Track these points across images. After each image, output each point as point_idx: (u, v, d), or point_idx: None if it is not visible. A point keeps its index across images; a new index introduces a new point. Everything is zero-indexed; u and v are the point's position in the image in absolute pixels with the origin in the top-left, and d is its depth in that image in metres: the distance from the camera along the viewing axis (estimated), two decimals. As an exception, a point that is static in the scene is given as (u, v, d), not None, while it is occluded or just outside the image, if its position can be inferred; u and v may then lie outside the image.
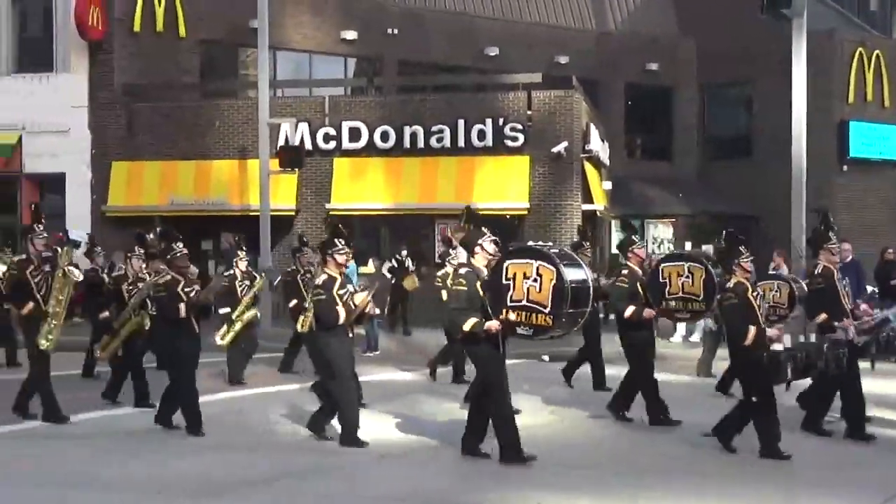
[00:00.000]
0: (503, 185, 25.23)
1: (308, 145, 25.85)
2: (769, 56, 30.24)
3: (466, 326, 9.88)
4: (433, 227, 25.51)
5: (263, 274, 16.79)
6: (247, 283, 15.58)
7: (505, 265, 9.79)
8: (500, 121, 25.57)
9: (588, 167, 26.74)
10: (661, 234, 33.20)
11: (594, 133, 27.21)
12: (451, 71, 31.25)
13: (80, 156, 27.06)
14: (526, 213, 24.97)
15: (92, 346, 15.54)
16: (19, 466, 10.17)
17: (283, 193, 25.34)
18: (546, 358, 18.28)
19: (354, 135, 26.12)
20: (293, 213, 25.85)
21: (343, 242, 10.83)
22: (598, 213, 27.84)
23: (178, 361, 11.53)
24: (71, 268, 12.06)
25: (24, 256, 12.37)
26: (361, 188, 25.84)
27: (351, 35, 30.82)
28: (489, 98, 26.64)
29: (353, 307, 10.76)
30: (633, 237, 12.82)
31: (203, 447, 11.00)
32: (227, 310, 15.27)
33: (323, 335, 10.87)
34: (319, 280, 10.82)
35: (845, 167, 32.43)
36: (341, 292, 10.69)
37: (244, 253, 16.02)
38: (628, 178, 32.85)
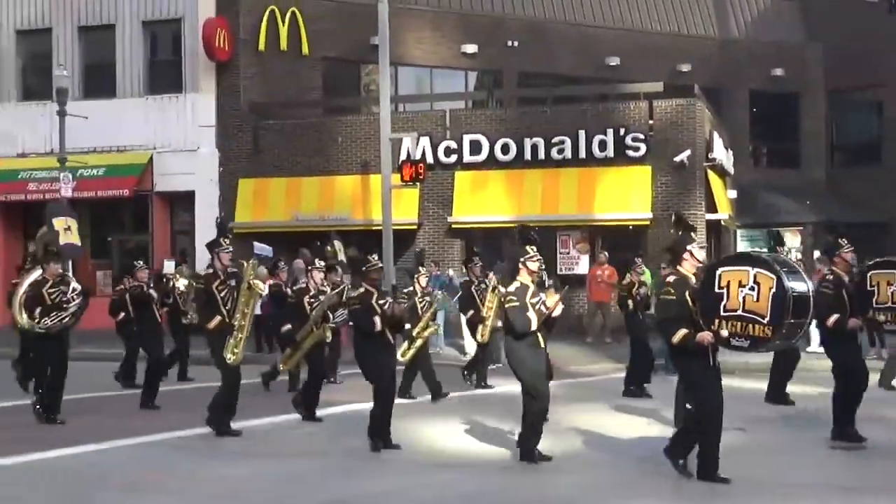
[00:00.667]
0: (625, 195, 25.05)
1: (429, 159, 26.05)
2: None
3: (676, 338, 9.36)
4: (555, 239, 25.43)
5: (444, 291, 16.70)
6: (427, 299, 15.29)
7: (718, 272, 9.29)
8: (622, 131, 25.39)
9: (712, 176, 26.38)
10: (788, 242, 32.53)
11: (717, 141, 26.83)
12: (572, 82, 31.15)
13: (208, 174, 27.72)
14: (649, 223, 24.72)
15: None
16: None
17: (406, 207, 25.56)
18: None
19: (475, 148, 26.23)
20: (415, 227, 26.05)
21: (535, 249, 10.55)
22: (722, 222, 27.44)
23: (377, 374, 11.40)
24: (256, 281, 12.18)
25: (210, 270, 12.40)
26: (483, 201, 25.91)
27: (471, 49, 30.99)
28: (610, 108, 26.49)
29: (544, 312, 10.38)
30: (840, 240, 11.77)
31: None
32: (407, 326, 14.79)
33: (513, 345, 10.50)
34: (512, 287, 10.52)
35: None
36: (533, 300, 10.37)
37: (424, 269, 15.91)
38: (754, 186, 32.30)
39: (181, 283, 16.95)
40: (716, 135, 26.78)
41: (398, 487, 9.84)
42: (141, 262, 16.05)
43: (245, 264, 12.37)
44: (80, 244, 16.44)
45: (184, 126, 27.86)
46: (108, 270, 28.29)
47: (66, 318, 13.30)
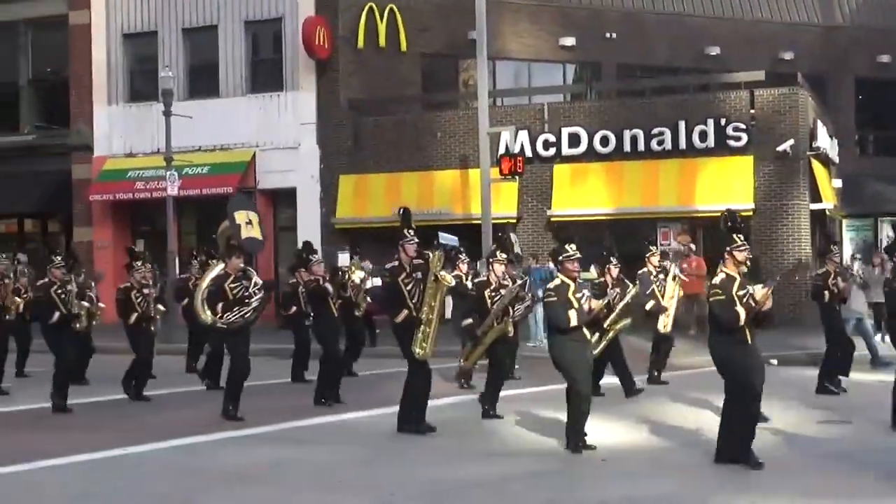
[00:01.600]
0: (726, 186, 24.75)
1: (528, 153, 26.04)
2: None
3: None
4: (655, 231, 25.23)
5: (638, 282, 15.57)
6: (617, 290, 14.36)
7: None
8: (723, 121, 25.11)
9: (816, 165, 25.93)
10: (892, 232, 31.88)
11: (822, 130, 26.36)
12: (672, 72, 30.87)
13: (309, 170, 28.08)
14: (751, 213, 24.36)
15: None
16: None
17: (505, 201, 25.59)
18: (774, 362, 17.77)
19: (574, 140, 26.15)
20: (515, 221, 26.07)
21: (742, 238, 10.16)
22: (826, 211, 26.96)
23: (573, 372, 10.82)
24: (443, 273, 11.87)
25: (396, 263, 12.00)
26: (582, 194, 25.84)
27: (569, 41, 30.90)
28: (710, 98, 26.20)
29: (752, 306, 9.97)
30: None
31: (440, 450, 11.28)
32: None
33: (718, 338, 10.15)
34: (717, 279, 10.06)
35: None
36: (741, 293, 9.97)
37: (616, 259, 15.02)
38: (860, 175, 31.64)
39: (356, 276, 16.63)
40: (820, 123, 26.31)
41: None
42: (317, 256, 15.35)
43: (431, 255, 11.97)
44: (261, 238, 15.84)
45: (285, 124, 28.28)
46: (211, 267, 28.79)
47: (248, 314, 13.14)
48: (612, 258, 14.95)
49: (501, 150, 25.34)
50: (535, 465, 10.38)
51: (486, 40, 24.27)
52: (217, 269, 13.48)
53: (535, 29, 30.95)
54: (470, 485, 9.63)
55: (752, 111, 25.08)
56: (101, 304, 16.54)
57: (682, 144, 25.39)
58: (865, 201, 31.05)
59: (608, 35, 31.27)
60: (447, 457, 10.88)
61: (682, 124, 25.35)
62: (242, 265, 13.39)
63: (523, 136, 26.28)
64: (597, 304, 10.98)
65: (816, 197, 25.71)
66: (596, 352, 13.42)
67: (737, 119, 25.08)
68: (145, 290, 15.49)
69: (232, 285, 13.10)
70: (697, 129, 25.24)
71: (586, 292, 10.86)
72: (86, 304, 15.57)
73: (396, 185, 27.22)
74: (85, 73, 30.15)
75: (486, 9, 23.94)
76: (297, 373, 17.15)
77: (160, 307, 15.94)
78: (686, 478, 9.81)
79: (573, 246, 10.73)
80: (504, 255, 13.63)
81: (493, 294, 13.42)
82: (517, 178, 24.70)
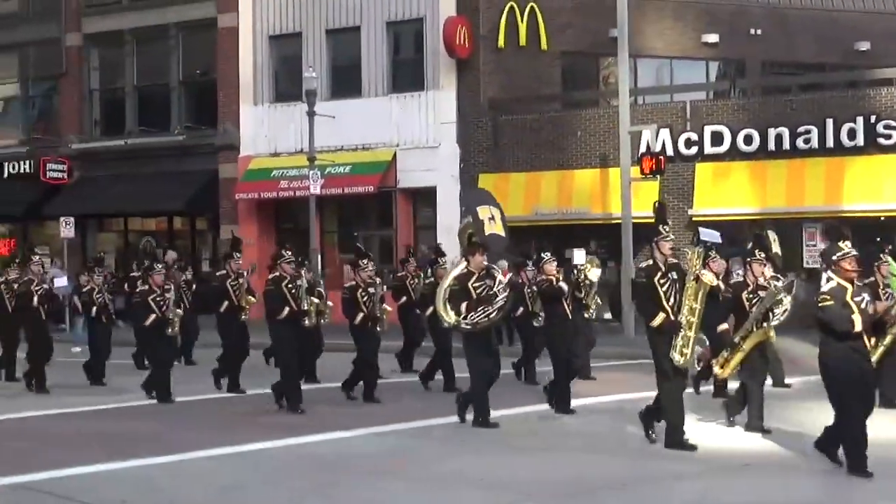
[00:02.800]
0: (876, 185, 24.04)
1: (669, 151, 25.75)
2: None
3: None
4: (801, 232, 24.67)
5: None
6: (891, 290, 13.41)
7: None
8: (872, 118, 24.40)
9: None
10: None
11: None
12: (818, 69, 30.12)
13: (449, 170, 28.24)
14: (901, 214, 23.65)
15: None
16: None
17: (645, 201, 25.22)
18: None
19: (717, 139, 25.74)
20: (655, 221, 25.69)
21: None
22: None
23: (851, 385, 9.75)
24: (705, 272, 11.05)
25: (650, 262, 11.31)
26: (725, 193, 25.40)
27: (713, 38, 30.38)
28: (859, 95, 25.48)
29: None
30: None
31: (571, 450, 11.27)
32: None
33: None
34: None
35: None
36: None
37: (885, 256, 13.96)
38: None
39: (593, 275, 15.54)
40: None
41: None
42: (548, 254, 14.19)
43: (690, 253, 11.31)
44: (504, 235, 14.36)
45: (425, 123, 28.49)
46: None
47: (493, 314, 12.55)
48: (882, 255, 14.02)
49: (642, 149, 25.14)
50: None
51: (628, 38, 24.06)
52: (459, 267, 12.91)
53: (678, 26, 30.53)
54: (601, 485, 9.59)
55: (904, 108, 24.32)
56: (329, 303, 16.87)
57: (830, 143, 24.75)
58: None
59: (753, 31, 30.63)
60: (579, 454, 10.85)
61: (829, 122, 24.72)
62: (486, 263, 12.81)
63: (665, 134, 25.99)
64: (883, 305, 10.23)
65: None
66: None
67: (888, 116, 24.34)
68: (370, 290, 15.20)
69: (476, 284, 12.56)
70: (846, 126, 24.58)
71: (866, 296, 10.05)
72: (315, 300, 15.80)
73: (536, 184, 27.19)
74: (232, 75, 30.91)
75: (628, 6, 23.72)
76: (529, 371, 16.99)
77: (386, 307, 15.61)
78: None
79: (848, 243, 9.84)
80: (763, 254, 12.60)
81: (752, 296, 12.16)
82: (658, 177, 24.42)
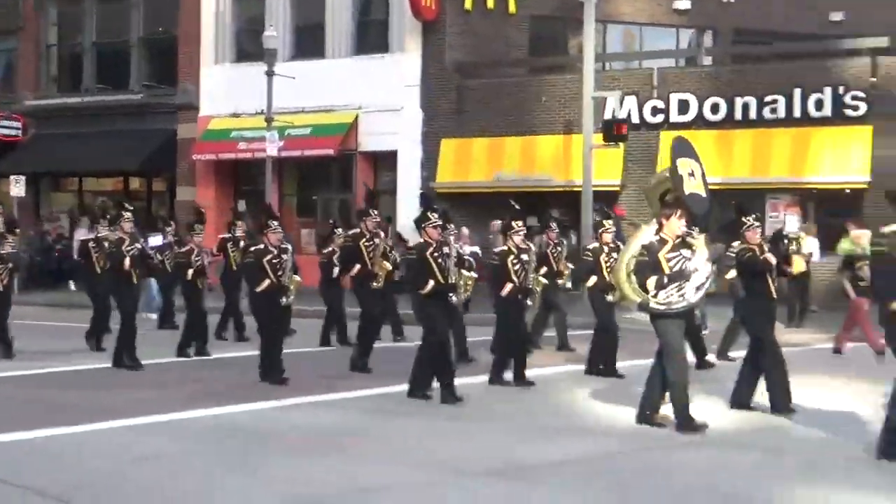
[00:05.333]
0: (842, 157, 23.67)
1: (635, 119, 25.31)
2: None
3: None
4: (763, 203, 24.28)
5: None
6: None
7: None
8: (841, 89, 23.98)
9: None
10: None
11: (948, 100, 24.98)
12: (791, 38, 29.63)
13: (411, 134, 27.68)
14: (867, 186, 23.25)
15: None
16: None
17: (608, 168, 24.86)
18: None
19: (683, 107, 25.30)
20: (618, 189, 25.33)
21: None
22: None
23: None
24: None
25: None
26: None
27: (683, 4, 29.89)
28: (828, 65, 25.01)
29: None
30: None
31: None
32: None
33: None
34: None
35: None
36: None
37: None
38: None
39: (808, 247, 14.09)
40: (946, 93, 24.94)
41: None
42: (751, 218, 11.88)
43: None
44: (706, 195, 11.13)
45: (389, 86, 27.83)
46: (311, 229, 28.75)
47: (691, 293, 10.30)
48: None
49: (607, 116, 24.65)
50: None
51: (597, 2, 23.56)
52: (648, 232, 10.57)
53: (649, -9, 30.01)
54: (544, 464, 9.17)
55: (873, 79, 23.89)
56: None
57: (797, 113, 24.35)
58: None
59: (724, -1, 30.18)
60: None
61: (797, 92, 24.31)
62: (685, 228, 10.39)
63: (631, 101, 25.54)
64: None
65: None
66: None
67: (856, 87, 23.93)
68: (523, 257, 13.11)
69: (669, 255, 10.28)
70: (813, 97, 24.17)
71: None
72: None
73: (499, 149, 26.69)
74: (193, 33, 30.23)
75: (598, -30, 23.18)
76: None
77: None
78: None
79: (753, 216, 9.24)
80: (752, 219, 11.67)
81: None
82: (621, 144, 23.98)
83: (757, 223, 11.72)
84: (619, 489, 8.34)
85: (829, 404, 11.70)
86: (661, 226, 10.36)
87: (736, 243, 11.88)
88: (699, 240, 10.45)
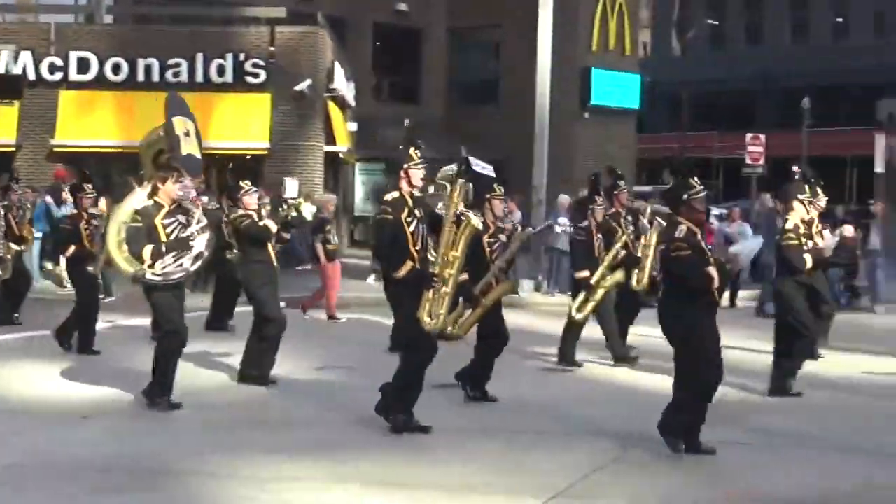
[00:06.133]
0: (243, 123, 24.25)
1: (31, 76, 24.04)
2: (517, 0, 29.98)
3: None
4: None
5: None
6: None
7: None
8: (241, 56, 24.49)
9: (332, 107, 26.01)
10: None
11: (339, 72, 26.45)
12: (194, 3, 29.67)
13: None
14: (266, 153, 24.05)
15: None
16: None
17: (2, 127, 23.43)
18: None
19: (83, 66, 24.42)
20: (13, 149, 23.95)
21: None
22: (340, 154, 27.18)
23: None
24: (470, 213, 8.92)
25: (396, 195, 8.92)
26: (91, 124, 24.20)
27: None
28: (230, 32, 25.44)
29: None
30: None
31: None
32: (586, 273, 11.83)
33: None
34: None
35: (587, 114, 32.75)
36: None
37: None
38: (375, 119, 32.14)
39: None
40: (338, 65, 26.37)
41: None
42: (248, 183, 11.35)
43: (451, 187, 9.00)
44: (200, 157, 10.50)
45: None
46: None
47: (189, 262, 9.61)
48: (597, 197, 12.31)
49: (0, 71, 23.20)
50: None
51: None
52: (138, 196, 9.75)
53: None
54: None
55: (272, 48, 24.63)
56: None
57: (200, 77, 24.48)
58: (378, 145, 31.64)
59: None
60: None
61: (199, 57, 24.43)
62: (180, 193, 9.74)
63: (27, 56, 24.18)
64: None
65: (331, 139, 25.81)
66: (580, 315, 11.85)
67: (256, 55, 24.54)
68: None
69: (165, 221, 9.51)
70: (216, 62, 24.44)
71: None
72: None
73: None
74: None
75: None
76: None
77: None
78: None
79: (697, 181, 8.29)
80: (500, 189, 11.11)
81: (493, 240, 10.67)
82: (16, 102, 22.71)
83: (254, 189, 11.35)
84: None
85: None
86: (155, 189, 9.59)
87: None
88: (195, 206, 9.98)
